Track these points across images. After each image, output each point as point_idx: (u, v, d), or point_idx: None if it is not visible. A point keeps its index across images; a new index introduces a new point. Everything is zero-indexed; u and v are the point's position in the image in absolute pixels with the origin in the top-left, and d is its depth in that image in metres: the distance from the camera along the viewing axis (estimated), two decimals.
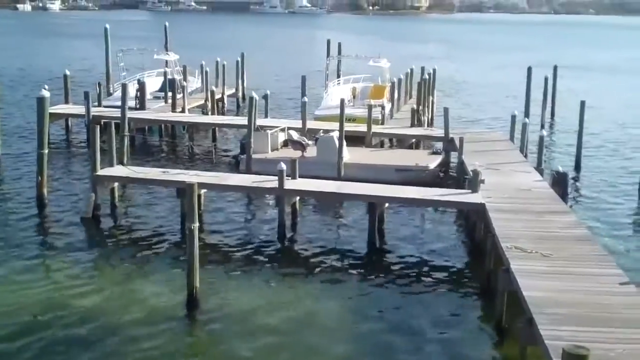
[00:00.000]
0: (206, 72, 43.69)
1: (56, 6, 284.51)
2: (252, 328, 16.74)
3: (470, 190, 22.62)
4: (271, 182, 23.46)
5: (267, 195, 25.76)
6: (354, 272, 20.33)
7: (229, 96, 47.35)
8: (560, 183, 23.93)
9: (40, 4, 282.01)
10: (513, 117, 31.84)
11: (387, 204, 23.12)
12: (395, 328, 16.94)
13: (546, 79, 42.63)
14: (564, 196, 23.28)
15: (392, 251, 22.10)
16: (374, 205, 22.58)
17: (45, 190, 25.58)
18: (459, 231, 24.08)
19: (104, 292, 18.69)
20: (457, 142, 29.12)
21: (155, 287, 18.82)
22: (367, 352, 15.88)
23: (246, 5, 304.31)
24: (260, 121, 32.01)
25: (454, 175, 29.56)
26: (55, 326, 16.56)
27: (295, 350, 15.92)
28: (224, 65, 47.00)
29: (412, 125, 35.67)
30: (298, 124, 33.37)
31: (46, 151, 25.65)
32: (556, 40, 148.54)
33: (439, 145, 32.69)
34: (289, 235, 23.07)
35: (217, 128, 37.39)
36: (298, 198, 24.06)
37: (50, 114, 27.69)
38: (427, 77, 42.08)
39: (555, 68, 45.25)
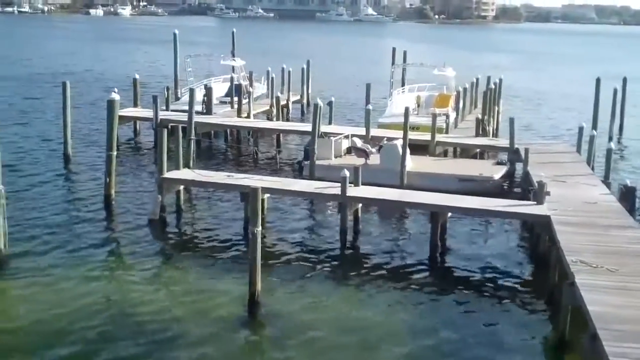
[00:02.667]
0: (272, 78, 44.08)
1: (127, 11, 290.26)
2: (311, 334, 16.82)
3: (535, 202, 22.34)
4: (334, 188, 23.56)
5: (330, 202, 25.84)
6: (414, 281, 20.25)
7: (293, 102, 47.65)
8: (628, 197, 23.44)
9: (112, 9, 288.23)
10: (581, 129, 31.32)
11: (449, 214, 22.99)
12: (455, 338, 16.83)
13: (615, 91, 41.77)
14: (631, 210, 22.79)
15: (453, 261, 21.95)
16: (436, 214, 22.49)
17: (113, 191, 26.15)
18: (523, 243, 23.79)
19: (166, 293, 19.03)
20: (522, 153, 28.77)
21: (217, 290, 19.06)
22: None
23: (312, 13, 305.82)
24: (324, 128, 32.16)
25: (518, 186, 29.19)
26: (117, 325, 16.92)
27: (351, 357, 15.95)
28: (289, 72, 47.34)
29: (477, 135, 35.38)
30: (362, 131, 33.41)
31: (115, 153, 26.23)
32: (626, 51, 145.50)
33: (504, 155, 32.36)
34: (351, 242, 23.12)
35: (281, 134, 37.67)
36: (360, 205, 24.10)
37: (119, 116, 28.38)
38: (492, 86, 41.69)
39: (624, 80, 44.32)
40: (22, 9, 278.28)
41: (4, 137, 21.51)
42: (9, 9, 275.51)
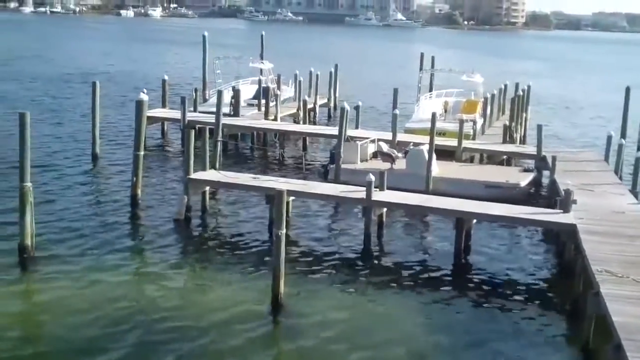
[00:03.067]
0: (299, 81, 44.16)
1: (157, 13, 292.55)
2: (333, 337, 16.85)
3: (561, 210, 22.20)
4: (359, 192, 23.57)
5: (355, 206, 25.85)
6: (437, 287, 20.20)
7: (320, 106, 47.72)
8: None
9: (142, 11, 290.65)
10: (609, 138, 31.08)
11: (475, 220, 22.91)
12: (478, 345, 16.79)
13: None
14: None
15: (478, 268, 21.87)
16: (461, 220, 22.42)
17: (139, 191, 26.34)
18: (548, 251, 23.63)
19: (190, 293, 19.18)
20: (549, 161, 28.59)
21: (241, 291, 19.16)
22: None
23: (341, 17, 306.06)
24: (350, 132, 32.19)
25: (545, 194, 29.03)
26: (141, 324, 17.07)
27: None
28: (317, 76, 47.41)
29: (504, 141, 35.21)
30: (388, 136, 33.40)
31: (142, 153, 26.41)
32: None
33: (531, 163, 32.18)
34: (375, 246, 23.13)
35: (307, 137, 37.76)
36: (385, 210, 24.09)
37: (147, 117, 28.56)
38: (521, 93, 41.48)
39: None
40: (54, 9, 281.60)
41: (33, 135, 21.71)
42: (42, 9, 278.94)
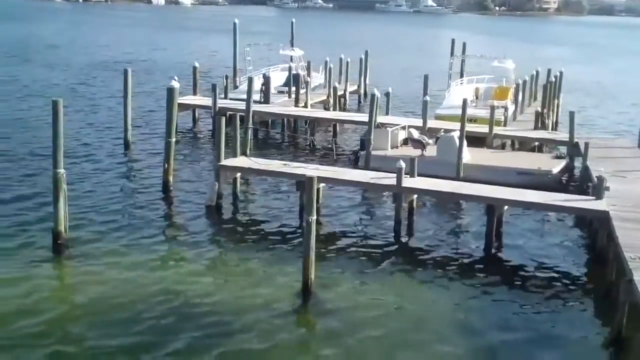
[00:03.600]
0: (330, 68, 44.10)
1: (188, 1, 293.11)
2: (364, 323, 16.90)
3: (594, 197, 22.00)
4: (389, 179, 23.54)
5: (385, 192, 25.82)
6: (469, 274, 20.16)
7: (351, 93, 47.60)
8: None
9: None
10: None
11: (506, 207, 22.76)
12: (509, 332, 16.76)
13: None
14: None
15: (509, 255, 21.77)
16: (492, 207, 22.28)
17: (171, 177, 26.51)
18: (580, 238, 23.46)
19: (220, 279, 19.33)
20: (582, 147, 28.30)
21: (271, 278, 19.27)
22: (477, 356, 15.77)
23: (372, 3, 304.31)
24: (380, 118, 32.11)
25: (577, 181, 28.77)
26: (172, 309, 17.24)
27: (404, 349, 15.98)
28: (347, 62, 47.28)
29: (536, 128, 34.94)
30: (418, 122, 33.25)
31: (174, 140, 26.57)
32: None
33: (563, 149, 31.89)
34: (405, 233, 23.09)
35: (338, 124, 37.75)
36: (415, 196, 24.03)
37: (178, 104, 28.74)
38: (553, 79, 41.07)
39: None
40: None
41: (66, 123, 21.96)
42: None
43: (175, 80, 29.11)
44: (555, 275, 20.32)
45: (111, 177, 28.41)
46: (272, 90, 40.64)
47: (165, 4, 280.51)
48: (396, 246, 22.27)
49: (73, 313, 17.21)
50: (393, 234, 22.86)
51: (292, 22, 52.25)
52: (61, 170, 20.39)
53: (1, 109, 41.87)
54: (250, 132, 29.90)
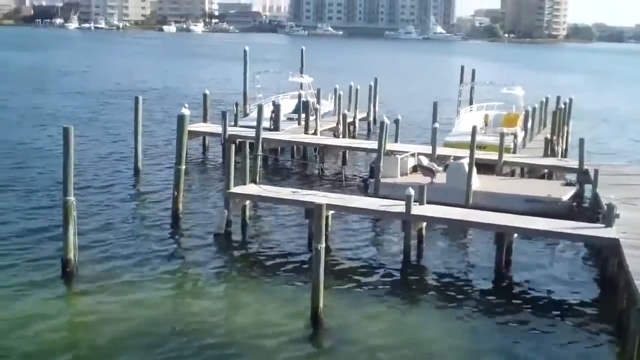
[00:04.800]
0: (339, 95, 44.28)
1: (199, 28, 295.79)
2: (373, 353, 16.80)
3: (604, 225, 21.91)
4: (398, 206, 23.51)
5: (394, 220, 25.77)
6: (478, 302, 20.05)
7: (360, 120, 47.73)
8: None
9: (184, 26, 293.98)
10: None
11: (515, 235, 22.69)
12: None
13: None
14: None
15: (519, 283, 21.67)
16: (502, 235, 22.21)
17: (180, 205, 26.53)
18: (590, 267, 23.32)
19: (230, 307, 19.31)
20: (591, 174, 28.24)
21: (281, 305, 19.21)
22: None
23: (381, 31, 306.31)
24: (390, 146, 32.14)
25: (587, 208, 28.65)
26: (182, 337, 17.21)
27: None
28: (356, 90, 47.44)
29: (545, 155, 34.90)
30: (428, 149, 33.26)
31: (183, 167, 26.63)
32: None
33: (572, 176, 31.81)
34: (414, 261, 23.02)
35: (347, 151, 37.80)
36: (425, 224, 23.99)
37: (189, 131, 28.82)
38: (562, 106, 41.08)
39: None
40: (98, 25, 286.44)
41: (77, 150, 22.08)
42: (86, 25, 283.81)
43: (185, 107, 29.30)
44: (565, 304, 20.19)
45: (121, 204, 28.49)
46: (282, 118, 40.77)
47: (177, 31, 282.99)
48: (405, 274, 22.19)
49: (82, 342, 17.17)
50: (402, 262, 22.78)
51: (302, 50, 52.55)
52: (71, 198, 20.46)
53: (12, 136, 42.17)
54: (259, 159, 29.96)
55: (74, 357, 16.26)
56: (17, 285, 19.74)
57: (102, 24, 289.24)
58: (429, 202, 23.98)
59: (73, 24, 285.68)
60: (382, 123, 30.21)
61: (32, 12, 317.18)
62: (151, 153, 37.79)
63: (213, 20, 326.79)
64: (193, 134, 36.67)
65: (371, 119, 49.52)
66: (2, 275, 20.37)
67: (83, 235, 22.29)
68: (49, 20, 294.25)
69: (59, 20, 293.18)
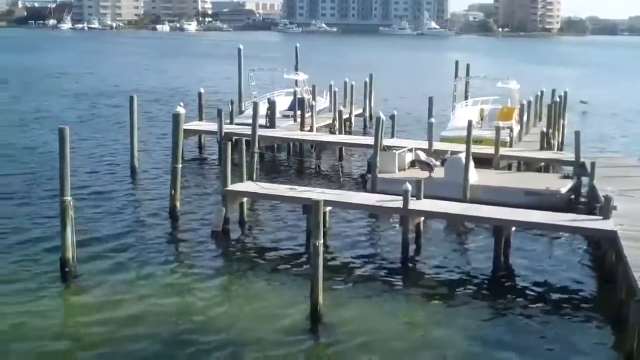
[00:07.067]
0: (334, 92, 44.24)
1: (192, 27, 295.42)
2: (372, 347, 16.81)
3: (601, 217, 21.92)
4: (396, 201, 23.50)
5: (392, 215, 25.77)
6: (477, 295, 20.07)
7: (356, 116, 47.73)
8: None
9: (178, 25, 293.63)
10: None
11: (513, 228, 22.68)
12: (516, 355, 16.63)
13: None
14: None
15: (517, 276, 21.66)
16: (500, 228, 22.22)
17: (178, 203, 26.52)
18: (588, 259, 23.33)
19: (228, 304, 19.27)
20: (588, 167, 28.27)
21: (279, 302, 19.21)
22: None
23: (375, 27, 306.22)
24: (386, 141, 32.14)
25: (584, 201, 28.67)
26: (181, 335, 17.21)
27: None
28: (352, 86, 47.46)
29: (542, 148, 34.90)
30: (424, 144, 33.27)
31: (180, 166, 26.60)
32: None
33: (569, 169, 31.84)
34: (413, 256, 23.01)
35: (343, 147, 37.80)
36: (422, 219, 23.98)
37: (184, 130, 28.80)
38: (557, 99, 41.10)
39: None
40: (92, 25, 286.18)
41: (72, 150, 22.05)
42: (79, 26, 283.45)
43: (180, 106, 29.23)
44: (564, 296, 20.20)
45: (118, 203, 28.44)
46: (278, 115, 40.74)
47: (170, 30, 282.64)
48: (403, 269, 22.21)
49: (80, 341, 17.15)
50: (400, 257, 22.76)
51: (296, 47, 52.50)
52: (68, 198, 20.42)
53: (8, 136, 42.08)
54: (256, 156, 29.90)
55: (72, 356, 16.23)
56: (16, 284, 19.74)
57: (96, 24, 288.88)
58: (427, 197, 23.97)
59: (66, 25, 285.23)
60: (378, 119, 30.19)
61: (25, 13, 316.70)
62: (147, 152, 37.74)
63: (206, 19, 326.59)
64: (189, 133, 36.66)
65: (367, 114, 49.51)
66: (1, 275, 20.33)
67: (81, 234, 22.21)
68: (42, 21, 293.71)
69: (52, 21, 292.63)
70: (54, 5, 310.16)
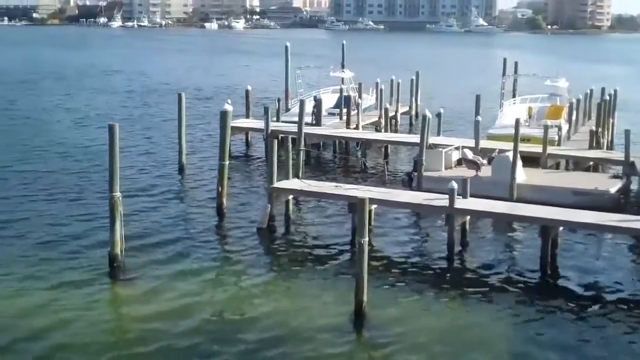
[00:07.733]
0: (381, 89, 44.14)
1: (240, 25, 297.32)
2: (417, 346, 16.78)
3: None
4: (442, 200, 23.39)
5: (438, 214, 25.64)
6: (523, 296, 19.90)
7: (402, 114, 47.56)
8: None
9: (226, 23, 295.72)
10: None
11: (561, 228, 22.41)
12: (564, 356, 16.46)
13: None
14: None
15: (565, 277, 21.40)
16: (547, 228, 21.95)
17: (224, 200, 26.74)
18: (638, 260, 22.96)
19: (273, 301, 19.38)
20: (638, 166, 27.80)
21: (324, 299, 19.27)
22: None
23: (422, 24, 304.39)
24: (432, 139, 31.98)
25: (634, 200, 28.20)
26: (226, 330, 17.40)
27: None
28: (398, 83, 47.30)
29: (590, 147, 34.41)
30: (470, 142, 33.01)
31: (227, 163, 26.82)
32: None
33: (618, 168, 31.34)
34: (458, 255, 22.88)
35: (389, 145, 37.72)
36: (468, 217, 23.82)
37: (232, 127, 28.99)
38: (607, 98, 40.47)
39: None
40: (142, 23, 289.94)
41: (122, 147, 22.40)
42: (130, 24, 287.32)
43: (228, 103, 29.50)
44: (612, 298, 19.90)
45: (166, 199, 28.79)
46: (324, 112, 40.79)
47: (219, 28, 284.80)
48: (449, 268, 22.09)
49: (128, 334, 17.45)
50: (446, 256, 22.65)
51: (342, 44, 52.47)
52: (117, 194, 20.75)
53: (59, 133, 42.89)
54: (302, 154, 30.02)
55: (121, 351, 16.50)
56: (65, 278, 20.11)
57: (145, 22, 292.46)
58: (474, 196, 23.80)
59: (117, 23, 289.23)
60: (424, 117, 30.07)
61: (77, 11, 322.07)
62: (195, 149, 38.11)
63: (254, 17, 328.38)
64: (236, 130, 36.88)
65: (413, 112, 49.29)
66: (51, 271, 20.74)
67: (130, 230, 22.54)
68: (92, 19, 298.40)
69: (102, 19, 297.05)
70: (104, 4, 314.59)
